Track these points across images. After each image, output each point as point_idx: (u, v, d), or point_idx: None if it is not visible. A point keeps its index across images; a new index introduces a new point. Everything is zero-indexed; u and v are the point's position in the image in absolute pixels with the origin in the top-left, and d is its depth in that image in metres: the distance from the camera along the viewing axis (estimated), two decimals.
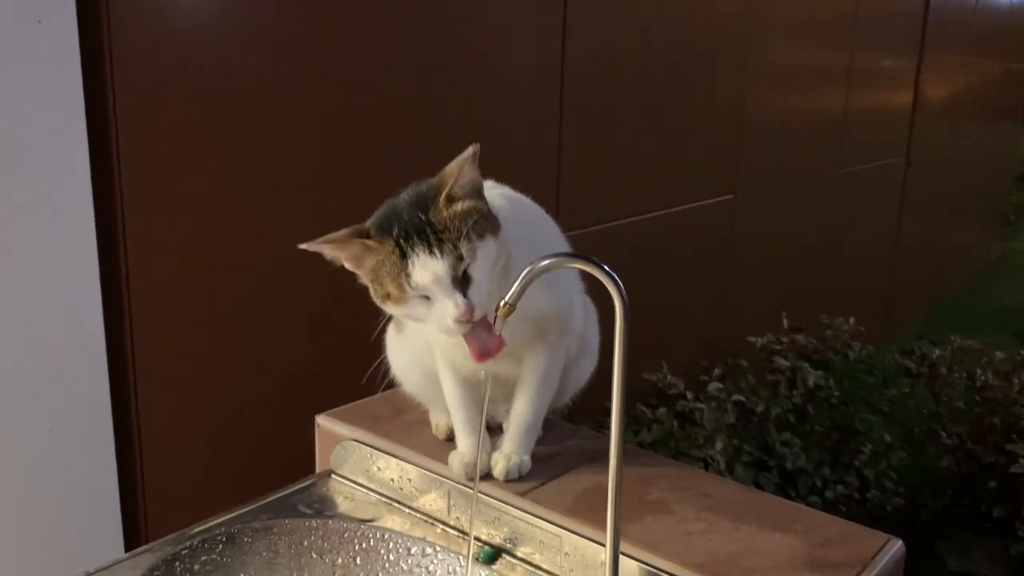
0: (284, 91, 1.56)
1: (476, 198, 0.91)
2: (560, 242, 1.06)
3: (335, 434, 1.18)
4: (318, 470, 1.20)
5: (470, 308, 0.87)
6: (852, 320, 3.14)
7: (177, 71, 1.42)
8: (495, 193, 0.99)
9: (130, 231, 1.38)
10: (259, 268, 1.56)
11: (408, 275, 0.87)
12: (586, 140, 2.27)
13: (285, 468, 1.20)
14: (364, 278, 0.93)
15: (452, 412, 1.07)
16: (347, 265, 0.93)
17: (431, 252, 0.87)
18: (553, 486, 1.02)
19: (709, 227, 2.96)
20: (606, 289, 0.79)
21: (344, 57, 1.64)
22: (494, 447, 1.06)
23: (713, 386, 2.64)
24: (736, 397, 2.58)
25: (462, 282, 0.88)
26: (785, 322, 3.01)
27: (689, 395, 2.60)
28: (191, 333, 1.50)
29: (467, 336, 0.89)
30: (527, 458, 1.05)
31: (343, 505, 1.11)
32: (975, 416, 2.93)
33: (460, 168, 0.90)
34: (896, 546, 0.90)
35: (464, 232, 0.87)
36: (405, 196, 0.93)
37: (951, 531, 2.77)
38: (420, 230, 0.88)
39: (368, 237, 0.91)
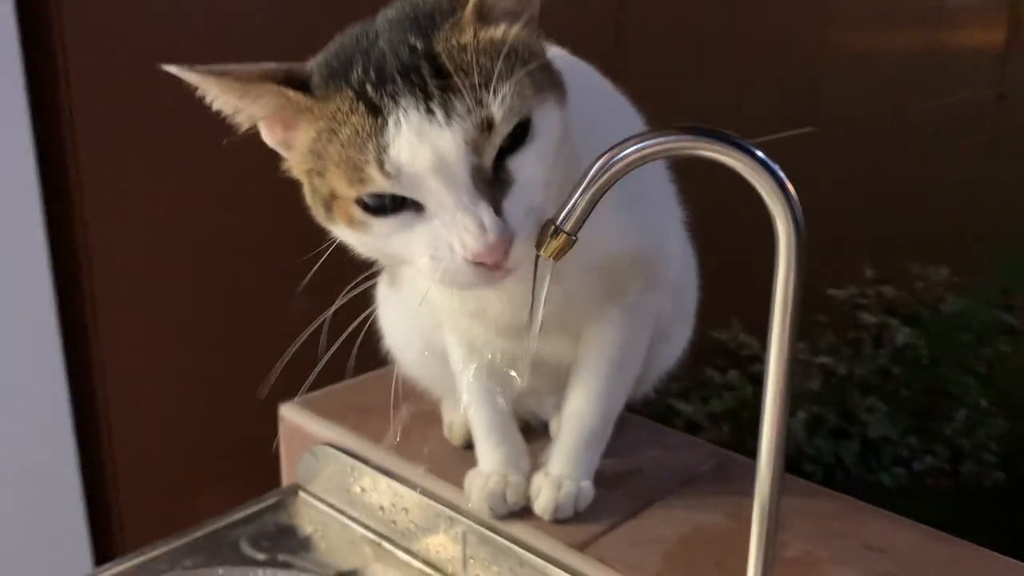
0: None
1: (529, 26, 0.50)
2: None
3: (305, 433, 0.81)
4: (284, 483, 0.84)
5: (506, 237, 0.46)
6: (946, 270, 2.79)
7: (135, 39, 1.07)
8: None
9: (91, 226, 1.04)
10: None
11: (383, 149, 0.46)
12: (654, 70, 1.91)
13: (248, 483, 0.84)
14: (295, 165, 0.52)
15: (469, 410, 0.69)
16: (267, 136, 0.52)
17: (430, 110, 0.45)
18: (629, 531, 0.65)
19: (788, 163, 2.59)
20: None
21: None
22: (536, 465, 0.68)
23: None
24: (821, 359, 2.24)
25: (493, 182, 0.47)
26: (868, 272, 2.65)
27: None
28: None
29: None
30: (587, 484, 0.66)
31: (312, 542, 0.74)
32: None
33: None
34: None
35: (503, 77, 0.46)
36: (385, 16, 0.51)
37: None
38: (411, 69, 0.46)
39: (304, 87, 0.49)
